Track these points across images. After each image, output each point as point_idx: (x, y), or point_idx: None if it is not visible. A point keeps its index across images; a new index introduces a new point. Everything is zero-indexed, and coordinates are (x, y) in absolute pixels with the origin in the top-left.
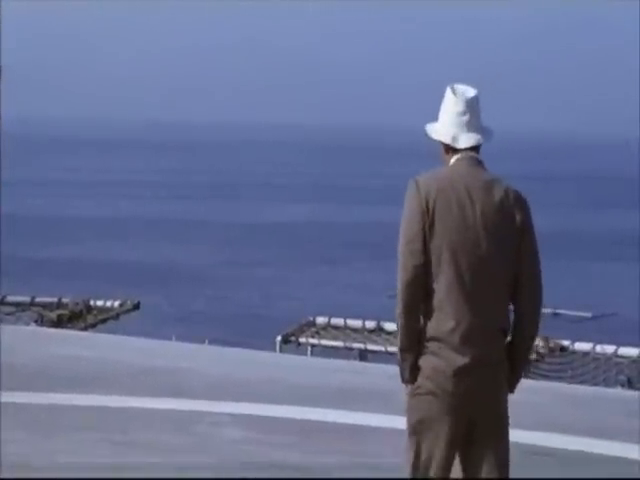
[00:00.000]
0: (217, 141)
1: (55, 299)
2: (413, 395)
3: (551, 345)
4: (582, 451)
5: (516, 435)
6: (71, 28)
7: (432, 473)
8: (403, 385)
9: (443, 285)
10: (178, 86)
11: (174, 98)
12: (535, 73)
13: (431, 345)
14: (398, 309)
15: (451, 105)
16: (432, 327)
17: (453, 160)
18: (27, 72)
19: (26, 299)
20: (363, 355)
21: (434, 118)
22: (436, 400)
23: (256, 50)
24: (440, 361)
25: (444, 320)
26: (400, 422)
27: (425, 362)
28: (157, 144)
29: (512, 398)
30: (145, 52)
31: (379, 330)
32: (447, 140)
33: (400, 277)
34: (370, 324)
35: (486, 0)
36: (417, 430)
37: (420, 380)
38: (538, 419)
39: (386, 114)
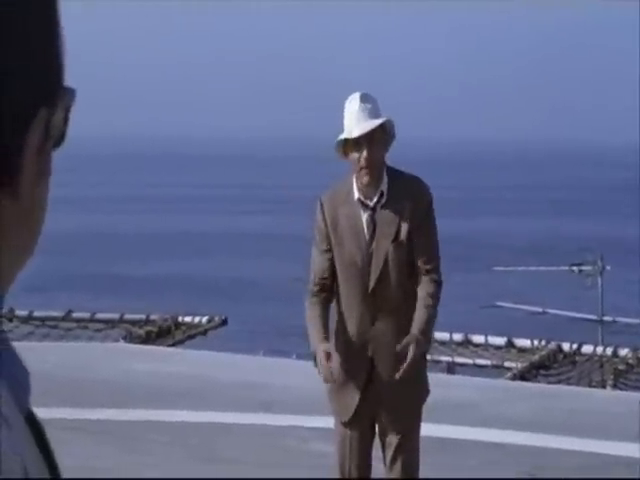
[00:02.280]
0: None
1: (143, 316)
2: None
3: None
4: None
5: (602, 446)
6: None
7: None
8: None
9: None
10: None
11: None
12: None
13: None
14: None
15: (347, 108)
16: None
17: None
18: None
19: (115, 316)
20: (451, 368)
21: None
22: None
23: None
24: None
25: None
26: (489, 434)
27: None
28: (229, 158)
29: (597, 408)
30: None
31: (467, 343)
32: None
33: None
34: (457, 337)
35: (484, 5)
36: None
37: None
38: (625, 430)
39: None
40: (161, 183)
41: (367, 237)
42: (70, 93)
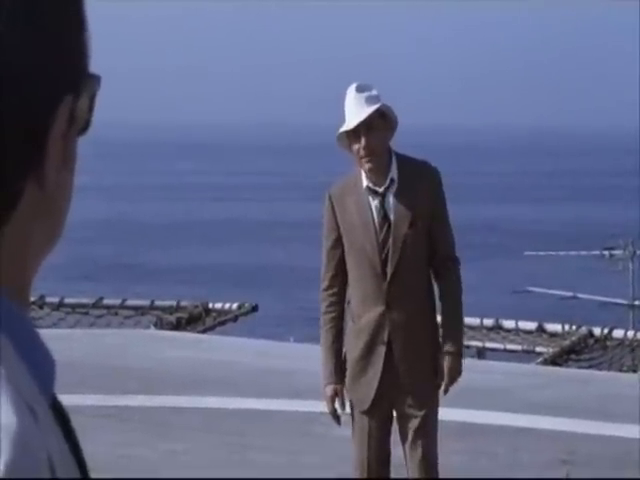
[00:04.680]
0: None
1: (174, 302)
2: None
3: None
4: None
5: (633, 430)
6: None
7: None
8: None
9: None
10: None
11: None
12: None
13: None
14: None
15: (345, 100)
16: None
17: None
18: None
19: (145, 303)
20: (481, 353)
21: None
22: None
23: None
24: None
25: None
26: (519, 420)
27: None
28: (260, 146)
29: (628, 393)
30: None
31: (497, 328)
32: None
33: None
34: (488, 322)
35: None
36: None
37: None
38: None
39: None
40: (192, 171)
41: (377, 224)
42: (95, 80)
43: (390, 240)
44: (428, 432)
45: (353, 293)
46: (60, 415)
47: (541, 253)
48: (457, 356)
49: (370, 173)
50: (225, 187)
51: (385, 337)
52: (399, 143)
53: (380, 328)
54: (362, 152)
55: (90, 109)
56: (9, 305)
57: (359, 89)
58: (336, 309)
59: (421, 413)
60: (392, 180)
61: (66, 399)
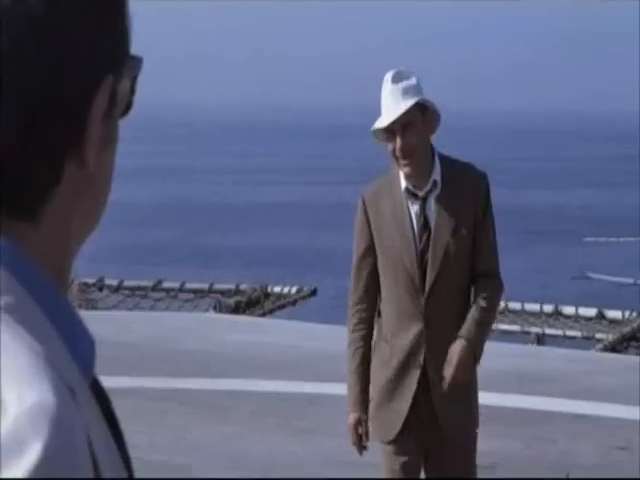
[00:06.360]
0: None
1: (233, 286)
2: None
3: None
4: None
5: None
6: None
7: None
8: None
9: None
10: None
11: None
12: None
13: None
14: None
15: (382, 90)
16: None
17: None
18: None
19: (204, 286)
20: (541, 339)
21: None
22: None
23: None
24: None
25: None
26: (578, 406)
27: None
28: (288, 127)
29: None
30: None
31: (557, 314)
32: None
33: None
34: (548, 308)
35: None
36: None
37: None
38: None
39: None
40: (248, 154)
41: (417, 231)
42: (137, 62)
43: (430, 250)
44: (467, 465)
45: (385, 309)
46: (100, 395)
47: (601, 239)
48: (469, 354)
49: (410, 175)
50: (285, 170)
51: (421, 359)
52: (452, 127)
53: (416, 349)
54: (398, 153)
55: (132, 91)
56: (46, 284)
57: (395, 78)
58: (365, 327)
59: (457, 444)
60: (435, 182)
61: (125, 381)
